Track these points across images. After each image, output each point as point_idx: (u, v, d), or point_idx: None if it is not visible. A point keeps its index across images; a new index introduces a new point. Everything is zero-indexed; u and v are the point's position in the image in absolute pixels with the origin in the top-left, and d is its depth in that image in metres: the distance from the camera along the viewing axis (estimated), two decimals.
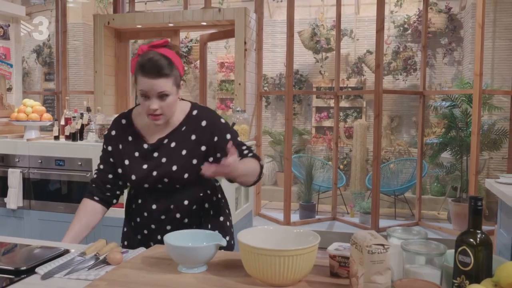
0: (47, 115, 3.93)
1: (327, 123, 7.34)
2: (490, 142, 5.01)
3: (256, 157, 1.69)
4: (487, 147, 5.06)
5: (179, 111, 1.70)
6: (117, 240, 1.74)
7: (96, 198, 1.76)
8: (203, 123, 1.67)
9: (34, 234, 3.61)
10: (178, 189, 1.68)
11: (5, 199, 3.68)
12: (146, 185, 1.68)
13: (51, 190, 3.68)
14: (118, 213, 2.16)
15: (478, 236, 1.10)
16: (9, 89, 4.39)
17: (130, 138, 1.71)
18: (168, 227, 1.69)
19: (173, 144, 1.66)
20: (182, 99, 1.74)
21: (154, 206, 1.69)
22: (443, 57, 6.84)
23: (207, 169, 1.46)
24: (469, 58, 6.30)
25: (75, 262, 1.43)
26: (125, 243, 1.82)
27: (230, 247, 1.81)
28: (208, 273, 1.31)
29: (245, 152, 1.70)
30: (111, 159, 1.76)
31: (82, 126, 3.72)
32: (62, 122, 3.93)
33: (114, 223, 2.63)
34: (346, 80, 7.14)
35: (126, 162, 1.70)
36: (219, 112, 7.53)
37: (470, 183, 4.46)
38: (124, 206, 1.84)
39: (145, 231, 1.74)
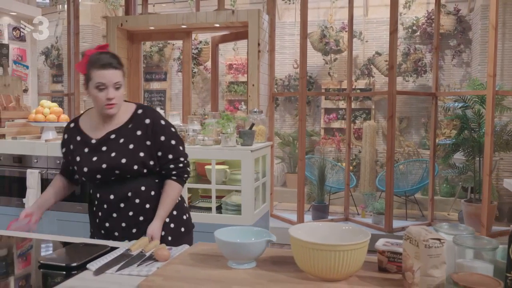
0: (64, 116, 3.95)
1: (336, 124, 7.36)
2: (503, 143, 5.03)
3: (178, 174, 1.90)
4: (500, 148, 5.08)
5: (125, 111, 1.88)
6: None
7: (67, 177, 2.01)
8: (147, 121, 1.86)
9: (53, 234, 3.63)
10: (129, 180, 1.83)
11: (24, 200, 3.69)
12: (98, 176, 1.82)
13: None
14: None
15: None
16: (25, 91, 4.42)
17: (78, 138, 1.89)
18: (131, 213, 1.84)
19: (121, 140, 1.83)
20: (126, 101, 1.94)
21: (112, 197, 1.84)
22: (452, 58, 6.86)
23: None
24: (478, 59, 6.33)
25: (124, 258, 1.45)
26: None
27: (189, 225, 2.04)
28: (258, 268, 1.33)
29: (171, 167, 1.88)
30: (64, 160, 1.99)
31: None
32: None
33: None
34: (354, 81, 7.16)
35: (78, 158, 1.86)
36: (227, 113, 7.54)
37: (483, 183, 4.47)
38: (88, 208, 1.98)
39: (107, 224, 1.87)
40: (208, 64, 7.71)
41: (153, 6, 7.46)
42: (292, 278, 1.26)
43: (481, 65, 6.19)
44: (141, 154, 1.82)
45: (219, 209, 3.49)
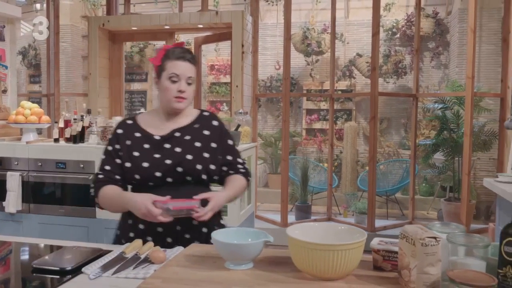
0: (46, 118, 3.88)
1: (317, 125, 7.42)
2: (480, 143, 5.16)
3: (246, 174, 1.87)
4: (478, 148, 5.21)
5: (189, 114, 1.84)
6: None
7: (109, 183, 1.75)
8: (215, 122, 1.84)
9: (36, 238, 3.56)
10: (185, 186, 1.69)
11: (4, 203, 3.62)
12: (157, 174, 1.68)
13: (51, 193, 3.63)
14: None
15: None
16: (4, 91, 4.32)
17: (137, 135, 1.78)
18: (178, 228, 1.70)
19: (187, 137, 1.76)
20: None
21: None
22: (430, 60, 7.00)
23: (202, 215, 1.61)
24: (456, 61, 6.47)
25: (119, 261, 1.44)
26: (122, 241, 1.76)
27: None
28: (256, 269, 1.34)
29: (239, 166, 1.85)
30: (117, 160, 1.75)
31: (83, 128, 3.70)
32: (61, 125, 3.90)
33: None
34: (335, 83, 7.23)
35: (136, 154, 1.72)
36: None
37: (463, 182, 4.58)
38: (128, 214, 1.73)
39: (159, 229, 1.69)
40: None
41: (134, 6, 7.40)
42: (290, 278, 1.27)
43: (459, 67, 6.33)
44: (206, 155, 1.74)
45: None
